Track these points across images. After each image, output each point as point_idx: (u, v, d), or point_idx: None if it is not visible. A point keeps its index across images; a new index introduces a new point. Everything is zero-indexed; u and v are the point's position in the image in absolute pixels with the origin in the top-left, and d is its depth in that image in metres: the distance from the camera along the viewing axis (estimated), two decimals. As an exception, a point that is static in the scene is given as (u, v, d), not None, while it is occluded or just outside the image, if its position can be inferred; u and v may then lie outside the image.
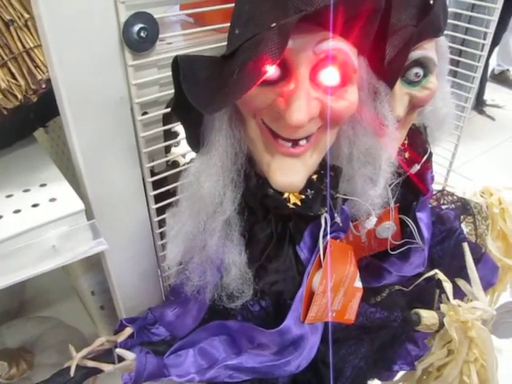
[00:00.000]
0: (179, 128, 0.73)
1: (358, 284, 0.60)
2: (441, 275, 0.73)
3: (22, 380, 0.76)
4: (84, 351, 0.62)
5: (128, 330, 0.65)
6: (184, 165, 0.80)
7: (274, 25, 0.42)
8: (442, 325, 0.72)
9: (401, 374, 0.86)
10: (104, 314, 1.09)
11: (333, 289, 0.56)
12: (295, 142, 0.48)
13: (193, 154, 0.73)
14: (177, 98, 0.48)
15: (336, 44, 0.44)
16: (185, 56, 0.46)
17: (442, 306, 0.73)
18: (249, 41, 0.44)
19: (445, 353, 0.75)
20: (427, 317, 0.72)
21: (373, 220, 0.61)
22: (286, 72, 0.45)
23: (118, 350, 0.61)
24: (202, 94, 0.45)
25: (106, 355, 0.63)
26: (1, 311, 0.92)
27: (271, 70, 0.42)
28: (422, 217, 0.71)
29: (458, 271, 0.79)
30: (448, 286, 0.73)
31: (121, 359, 0.61)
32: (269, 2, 0.44)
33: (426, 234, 0.71)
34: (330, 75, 0.45)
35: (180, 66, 0.45)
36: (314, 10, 0.41)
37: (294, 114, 0.43)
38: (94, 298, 1.12)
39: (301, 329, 0.56)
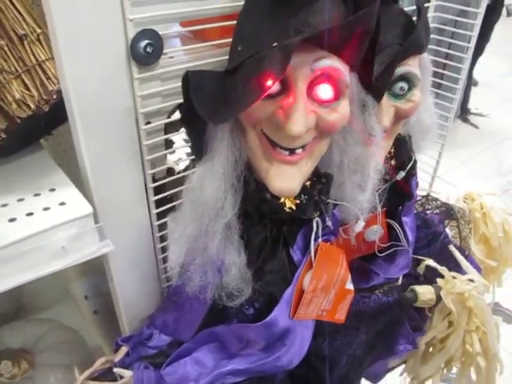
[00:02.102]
0: (174, 137, 0.77)
1: (350, 286, 0.63)
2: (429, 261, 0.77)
3: (24, 379, 0.78)
4: (87, 372, 0.65)
5: (123, 349, 0.69)
6: (179, 172, 0.83)
7: (275, 44, 0.46)
8: (439, 298, 0.74)
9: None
10: (97, 319, 1.11)
11: (323, 289, 0.59)
12: (292, 151, 0.52)
13: (186, 162, 0.77)
14: (185, 110, 0.52)
15: (331, 62, 0.48)
16: (194, 71, 0.50)
17: (439, 280, 0.75)
18: (251, 58, 0.48)
19: (445, 325, 0.77)
20: (423, 292, 0.74)
21: (361, 224, 0.65)
22: (285, 87, 0.49)
23: (116, 370, 0.65)
24: (208, 106, 0.48)
25: (109, 374, 0.67)
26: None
27: (274, 86, 0.46)
28: (407, 221, 0.76)
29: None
30: (435, 264, 0.76)
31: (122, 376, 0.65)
32: (270, 23, 0.48)
33: (410, 237, 0.75)
34: (324, 90, 0.50)
35: (190, 80, 0.49)
36: (313, 34, 0.45)
37: (293, 126, 0.47)
38: (87, 303, 1.14)
39: (288, 322, 0.59)
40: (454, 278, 0.75)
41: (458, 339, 0.76)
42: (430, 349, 0.83)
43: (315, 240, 0.60)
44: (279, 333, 0.59)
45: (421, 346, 0.81)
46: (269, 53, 0.45)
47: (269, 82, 0.45)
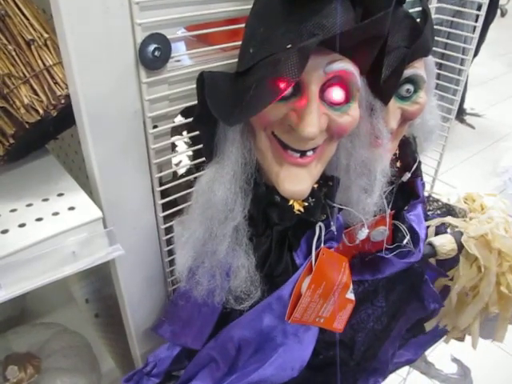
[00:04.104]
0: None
1: (350, 296, 0.63)
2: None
3: (30, 384, 0.78)
4: None
5: None
6: (182, 175, 0.83)
7: (289, 46, 0.46)
8: (461, 246, 0.70)
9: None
10: (99, 322, 1.11)
11: (322, 295, 0.59)
12: (303, 153, 0.52)
13: (187, 165, 0.77)
14: (199, 112, 0.52)
15: (344, 65, 0.49)
16: (208, 71, 0.51)
17: (459, 226, 0.71)
18: (264, 60, 0.48)
19: (474, 272, 0.73)
20: (442, 243, 0.70)
21: (365, 231, 0.65)
22: (298, 89, 0.49)
23: None
24: (222, 107, 0.49)
25: None
26: (4, 318, 0.94)
27: (289, 88, 0.46)
28: (415, 218, 0.75)
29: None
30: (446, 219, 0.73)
31: None
32: (284, 26, 0.48)
33: (421, 234, 0.73)
34: (337, 93, 0.50)
35: (205, 80, 0.49)
36: (329, 36, 0.45)
37: (306, 128, 0.47)
38: (88, 306, 1.14)
39: (275, 322, 0.59)
40: (471, 219, 0.71)
41: (490, 284, 0.72)
42: (467, 297, 0.79)
43: (318, 245, 0.60)
44: (266, 331, 0.59)
45: (453, 297, 0.78)
46: (284, 55, 0.45)
47: (284, 85, 0.45)
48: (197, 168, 0.70)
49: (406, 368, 1.09)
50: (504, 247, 0.70)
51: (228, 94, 0.50)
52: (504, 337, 0.81)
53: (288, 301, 0.57)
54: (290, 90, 0.49)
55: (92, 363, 0.85)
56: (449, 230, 0.93)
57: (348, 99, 0.51)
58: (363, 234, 0.65)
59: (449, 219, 0.74)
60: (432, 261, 0.78)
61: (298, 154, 0.52)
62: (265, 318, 0.58)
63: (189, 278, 0.61)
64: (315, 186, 0.59)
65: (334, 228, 0.61)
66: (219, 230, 0.55)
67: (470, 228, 0.71)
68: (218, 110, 0.48)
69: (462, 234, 0.71)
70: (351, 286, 0.63)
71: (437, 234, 0.87)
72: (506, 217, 0.95)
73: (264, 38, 0.50)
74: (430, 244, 0.72)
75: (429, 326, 0.85)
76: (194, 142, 0.79)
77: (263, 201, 0.57)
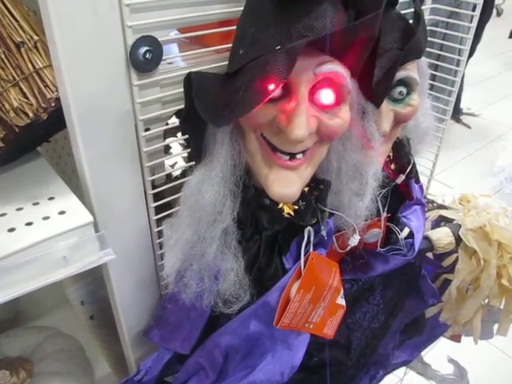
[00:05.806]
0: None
1: (341, 301, 0.62)
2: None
3: (23, 388, 0.77)
4: None
5: None
6: (176, 177, 0.82)
7: (278, 47, 0.46)
8: (460, 238, 0.69)
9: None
10: (94, 324, 1.10)
11: (311, 301, 0.58)
12: (292, 156, 0.52)
13: (182, 168, 0.77)
14: (186, 113, 0.52)
15: (334, 67, 0.48)
16: (196, 72, 0.50)
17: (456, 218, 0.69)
18: (254, 61, 0.48)
19: (474, 265, 0.71)
20: (439, 238, 0.69)
21: (356, 238, 0.64)
22: (287, 90, 0.49)
23: None
24: (210, 108, 0.48)
25: None
26: (-2, 321, 0.94)
27: (277, 89, 0.45)
28: (412, 218, 0.74)
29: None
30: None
31: None
32: (273, 27, 0.48)
33: (416, 233, 0.71)
34: (326, 95, 0.50)
35: (192, 81, 0.49)
36: (317, 37, 0.45)
37: (295, 130, 0.47)
38: (83, 308, 1.14)
39: (262, 328, 0.58)
40: (469, 210, 0.70)
41: (491, 277, 0.70)
42: (464, 292, 0.78)
43: (307, 250, 0.59)
44: (253, 337, 0.59)
45: (452, 291, 0.76)
46: (273, 56, 0.45)
47: (272, 86, 0.44)
48: (191, 170, 0.69)
49: (403, 369, 1.09)
50: (503, 239, 0.69)
51: (216, 95, 0.49)
52: (508, 330, 0.79)
53: (274, 307, 0.57)
54: (279, 91, 0.48)
55: (85, 367, 0.85)
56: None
57: (338, 101, 0.51)
58: (355, 240, 0.65)
59: (445, 212, 0.72)
60: (429, 254, 0.78)
61: (288, 157, 0.52)
62: (251, 325, 0.58)
63: (177, 280, 0.60)
64: (306, 189, 0.58)
65: (324, 232, 0.61)
66: (208, 233, 0.55)
67: (467, 220, 0.70)
68: (206, 110, 0.48)
69: (459, 226, 0.70)
70: (342, 291, 0.62)
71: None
72: (505, 206, 0.94)
73: (254, 39, 0.49)
74: (427, 238, 0.70)
75: (430, 313, 0.83)
76: (188, 143, 0.79)
77: (252, 203, 0.56)
